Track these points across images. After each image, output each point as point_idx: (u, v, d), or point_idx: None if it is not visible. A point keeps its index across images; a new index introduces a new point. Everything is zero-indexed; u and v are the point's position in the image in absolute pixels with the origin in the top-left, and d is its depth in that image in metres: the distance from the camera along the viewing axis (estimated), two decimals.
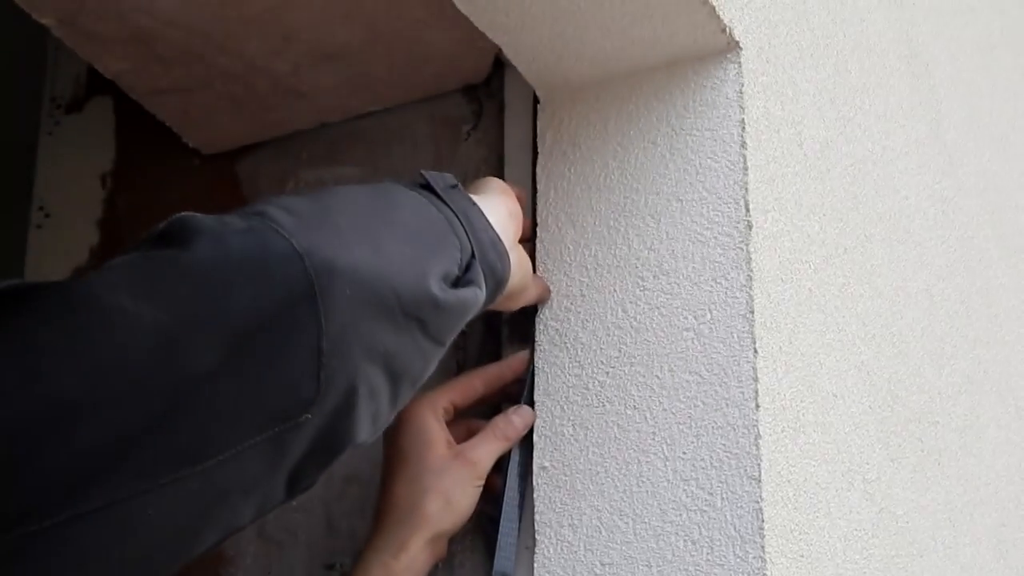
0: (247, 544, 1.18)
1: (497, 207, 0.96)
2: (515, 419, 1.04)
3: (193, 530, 0.73)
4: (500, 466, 1.05)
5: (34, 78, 1.51)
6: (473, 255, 0.88)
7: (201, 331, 0.70)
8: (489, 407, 1.09)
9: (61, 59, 1.47)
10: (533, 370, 1.07)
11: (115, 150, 1.41)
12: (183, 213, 0.75)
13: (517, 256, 0.97)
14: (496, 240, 0.92)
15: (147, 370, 0.69)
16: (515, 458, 1.05)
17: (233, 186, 1.34)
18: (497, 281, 0.92)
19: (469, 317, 0.88)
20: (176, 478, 0.69)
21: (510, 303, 1.03)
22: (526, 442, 1.05)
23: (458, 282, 0.86)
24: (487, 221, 0.92)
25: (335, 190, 0.86)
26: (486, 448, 1.02)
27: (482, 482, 1.02)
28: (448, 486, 1.00)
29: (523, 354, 1.08)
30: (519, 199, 1.02)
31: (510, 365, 1.08)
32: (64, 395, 0.67)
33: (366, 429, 0.79)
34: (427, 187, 0.90)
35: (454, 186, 0.92)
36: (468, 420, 1.07)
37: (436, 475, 1.00)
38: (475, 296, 0.87)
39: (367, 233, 0.80)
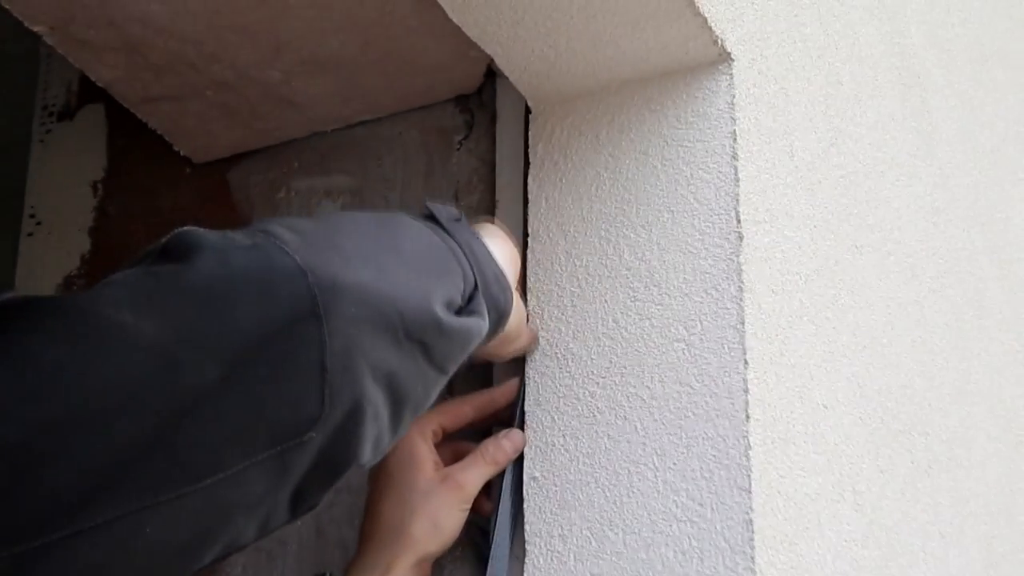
0: (237, 553, 1.18)
1: (500, 245, 0.95)
2: (505, 444, 1.04)
3: (194, 547, 0.72)
4: (489, 486, 1.04)
5: (26, 86, 1.51)
6: (476, 286, 0.88)
7: (203, 348, 0.69)
8: (479, 430, 1.08)
9: (53, 67, 1.47)
10: (524, 396, 1.07)
11: (107, 158, 1.41)
12: (185, 228, 0.74)
13: (515, 299, 0.97)
14: (500, 274, 0.91)
15: (149, 387, 0.68)
16: (509, 468, 1.04)
17: (224, 194, 1.33)
18: (500, 314, 0.91)
19: (471, 347, 0.87)
20: (177, 495, 0.68)
21: (502, 349, 1.02)
22: (521, 455, 1.05)
23: (461, 311, 0.86)
24: (491, 255, 0.91)
25: (340, 214, 0.86)
26: (474, 472, 1.02)
27: (468, 506, 1.02)
28: (435, 509, 1.00)
29: (514, 381, 1.08)
30: None
31: (502, 392, 1.08)
32: (64, 411, 0.66)
33: (368, 450, 0.79)
34: (432, 218, 0.90)
35: (458, 219, 0.92)
36: (456, 442, 1.06)
37: (423, 497, 1.00)
38: (478, 326, 0.87)
39: (371, 255, 0.79)
